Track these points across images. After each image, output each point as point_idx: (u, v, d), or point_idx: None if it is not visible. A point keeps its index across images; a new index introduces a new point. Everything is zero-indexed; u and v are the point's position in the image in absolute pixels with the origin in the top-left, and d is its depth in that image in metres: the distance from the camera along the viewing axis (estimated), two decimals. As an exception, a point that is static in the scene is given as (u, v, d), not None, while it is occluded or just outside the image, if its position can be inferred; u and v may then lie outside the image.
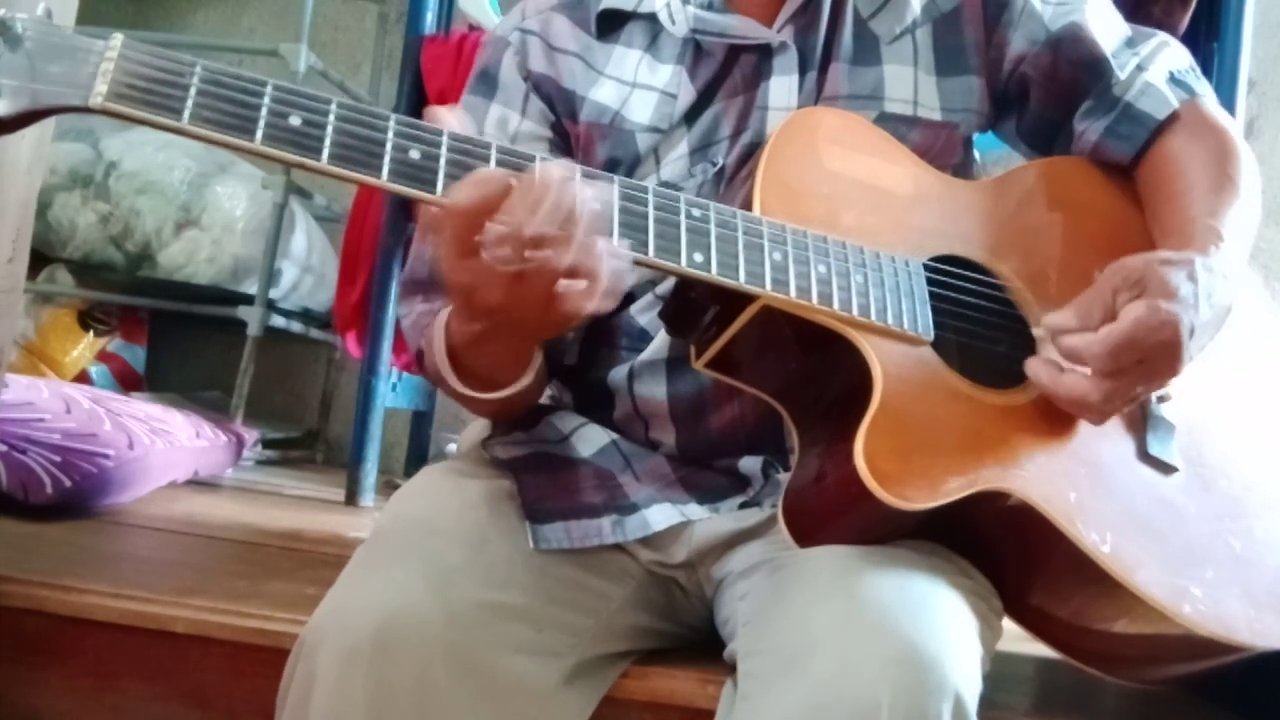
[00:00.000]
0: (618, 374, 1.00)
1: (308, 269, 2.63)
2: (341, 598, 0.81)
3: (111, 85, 0.67)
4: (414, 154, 0.73)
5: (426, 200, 0.74)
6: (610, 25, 1.05)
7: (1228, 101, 1.67)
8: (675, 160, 1.00)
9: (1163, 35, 1.08)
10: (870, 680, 0.70)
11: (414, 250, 1.06)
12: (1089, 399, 0.84)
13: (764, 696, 0.75)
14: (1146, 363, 0.84)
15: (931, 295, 0.89)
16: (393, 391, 2.11)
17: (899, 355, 0.85)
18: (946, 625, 0.76)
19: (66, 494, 1.40)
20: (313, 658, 0.78)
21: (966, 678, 0.73)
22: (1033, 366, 0.88)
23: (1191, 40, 1.75)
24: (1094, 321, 0.85)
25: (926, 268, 0.90)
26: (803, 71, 1.00)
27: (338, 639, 0.77)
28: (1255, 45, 1.84)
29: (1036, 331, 0.89)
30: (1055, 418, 0.88)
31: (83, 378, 2.50)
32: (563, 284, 0.74)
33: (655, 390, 0.98)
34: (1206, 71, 1.70)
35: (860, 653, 0.72)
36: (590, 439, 1.00)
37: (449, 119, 0.77)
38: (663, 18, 1.02)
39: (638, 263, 0.79)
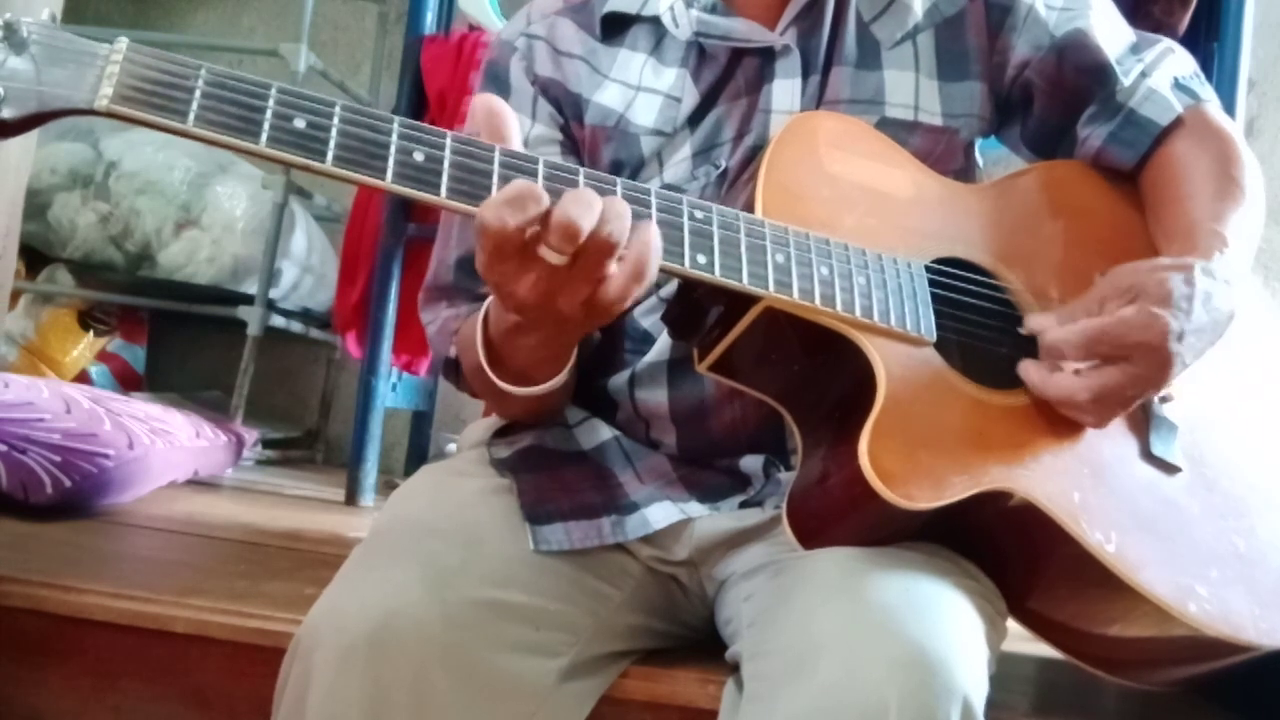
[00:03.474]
0: (619, 379, 1.00)
1: (308, 269, 2.63)
2: (337, 598, 0.81)
3: (117, 88, 0.67)
4: (418, 156, 0.73)
5: (433, 203, 0.74)
6: (615, 29, 1.05)
7: (1228, 101, 1.68)
8: (678, 163, 1.00)
9: (1167, 41, 1.08)
10: (877, 683, 0.70)
11: (435, 256, 1.06)
12: (1076, 398, 0.85)
13: (771, 699, 0.75)
14: (1131, 362, 0.84)
15: (933, 297, 0.89)
16: (393, 391, 2.12)
17: (902, 356, 0.85)
18: (953, 627, 0.76)
19: (66, 494, 1.40)
20: (309, 658, 0.77)
21: (974, 680, 0.74)
22: (1025, 368, 0.88)
23: (1191, 40, 1.76)
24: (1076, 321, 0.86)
25: (928, 270, 0.91)
26: (805, 75, 1.00)
27: (334, 639, 0.77)
28: (1255, 45, 1.85)
29: (1022, 330, 0.90)
30: (1058, 418, 0.88)
31: (83, 378, 2.50)
32: (612, 269, 0.74)
33: (656, 394, 0.98)
34: (1206, 71, 1.70)
35: (867, 655, 0.72)
36: (594, 433, 1.00)
37: (498, 104, 0.77)
38: (666, 21, 1.02)
39: None
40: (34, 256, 2.50)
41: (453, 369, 1.01)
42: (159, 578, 1.19)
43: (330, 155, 0.71)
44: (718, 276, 0.80)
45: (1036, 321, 0.89)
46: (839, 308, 0.84)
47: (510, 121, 0.77)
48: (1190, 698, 1.02)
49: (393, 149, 0.73)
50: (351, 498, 1.99)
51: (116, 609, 1.03)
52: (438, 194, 0.73)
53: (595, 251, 0.73)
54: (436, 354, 1.04)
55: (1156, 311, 0.84)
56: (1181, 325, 0.84)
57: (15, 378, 1.56)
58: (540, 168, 0.76)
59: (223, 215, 2.46)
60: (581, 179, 0.77)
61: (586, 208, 0.72)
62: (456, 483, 0.96)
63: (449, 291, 1.03)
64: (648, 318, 0.99)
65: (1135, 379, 0.85)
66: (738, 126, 1.00)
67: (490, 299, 0.87)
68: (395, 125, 0.73)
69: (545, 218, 0.72)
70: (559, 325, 0.81)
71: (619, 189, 0.79)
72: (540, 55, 1.05)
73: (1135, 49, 1.06)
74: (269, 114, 0.70)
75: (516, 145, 0.77)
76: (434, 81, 1.99)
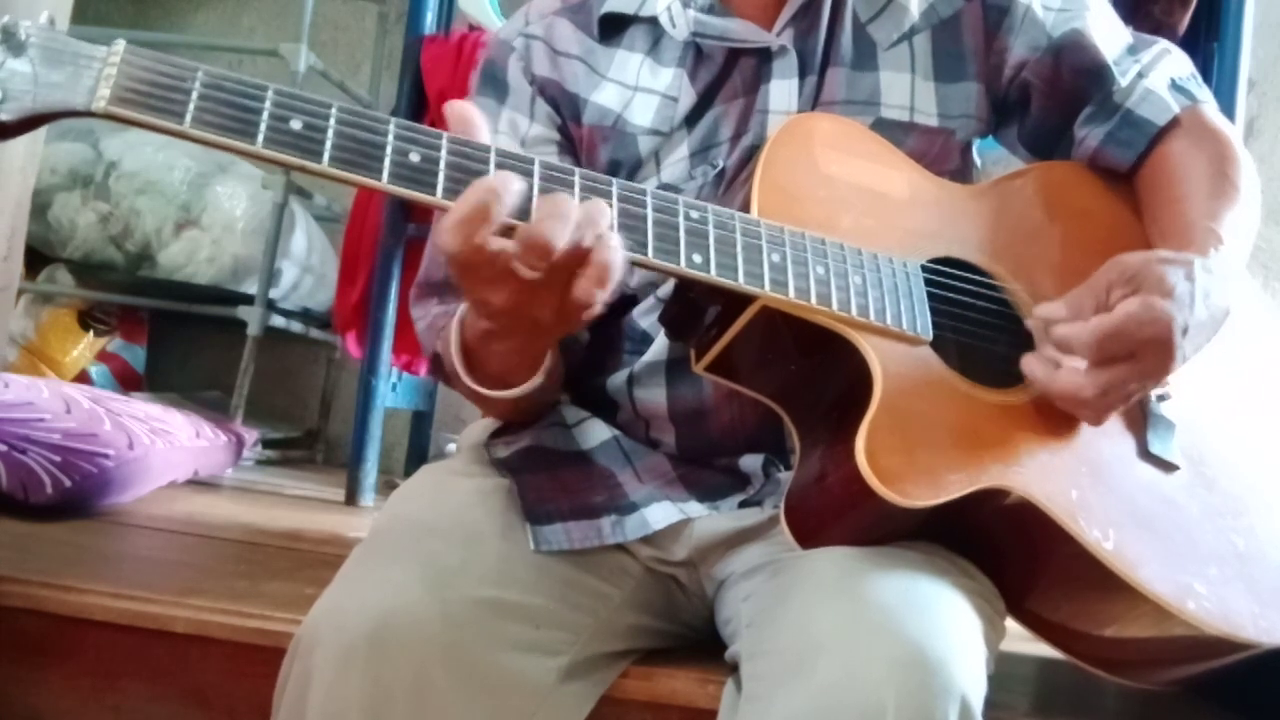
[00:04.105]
0: (617, 379, 1.00)
1: (308, 269, 2.64)
2: (337, 597, 0.81)
3: (114, 90, 0.67)
4: (414, 157, 0.74)
5: (429, 203, 0.74)
6: (612, 29, 1.05)
7: (1228, 102, 1.68)
8: (676, 163, 1.00)
9: (1164, 43, 1.08)
10: (876, 683, 0.70)
11: (428, 252, 1.06)
12: (1082, 394, 0.84)
13: (769, 699, 0.75)
14: (1138, 358, 0.84)
15: (930, 296, 0.89)
16: (393, 391, 2.12)
17: (898, 355, 0.85)
18: (951, 627, 0.76)
19: (66, 494, 1.40)
20: (309, 657, 0.78)
21: (972, 680, 0.74)
22: (1028, 363, 0.88)
23: (1191, 40, 1.76)
24: (1085, 313, 0.85)
25: (924, 269, 0.91)
26: (802, 75, 1.00)
27: (334, 638, 0.77)
28: (1255, 45, 1.85)
29: (1029, 322, 0.90)
30: (1055, 416, 0.88)
31: (83, 378, 2.50)
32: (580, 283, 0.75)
33: (655, 394, 0.98)
34: (1206, 72, 1.71)
35: (865, 655, 0.72)
36: (593, 433, 1.00)
37: (471, 113, 0.77)
38: (664, 21, 1.02)
39: (637, 264, 0.79)
40: (34, 256, 2.50)
41: (440, 366, 1.01)
42: (159, 578, 1.19)
43: (327, 156, 0.71)
44: (713, 276, 0.81)
45: (1046, 310, 0.87)
46: (835, 307, 0.84)
47: (481, 129, 0.77)
48: (1190, 698, 1.02)
49: (389, 150, 0.73)
50: (351, 498, 1.99)
51: (116, 609, 1.03)
52: (433, 194, 0.74)
53: (568, 262, 0.73)
54: (425, 351, 1.04)
55: (1162, 304, 0.83)
56: (1185, 319, 0.84)
57: (15, 378, 1.56)
58: (536, 168, 0.77)
59: (223, 215, 2.46)
60: (578, 179, 0.78)
61: (560, 221, 0.72)
62: (456, 483, 0.96)
63: (440, 288, 1.04)
64: (646, 318, 1.00)
65: (1139, 373, 0.85)
66: (735, 126, 1.00)
67: (464, 305, 0.87)
68: (391, 126, 0.74)
69: (519, 233, 0.72)
70: (532, 332, 0.81)
71: (615, 189, 0.79)
72: (538, 55, 1.05)
73: (1132, 50, 1.06)
74: (265, 115, 0.71)
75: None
76: (434, 82, 1.99)
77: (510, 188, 0.73)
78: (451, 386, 1.01)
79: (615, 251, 0.75)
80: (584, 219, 0.73)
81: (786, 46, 1.00)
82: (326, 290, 2.66)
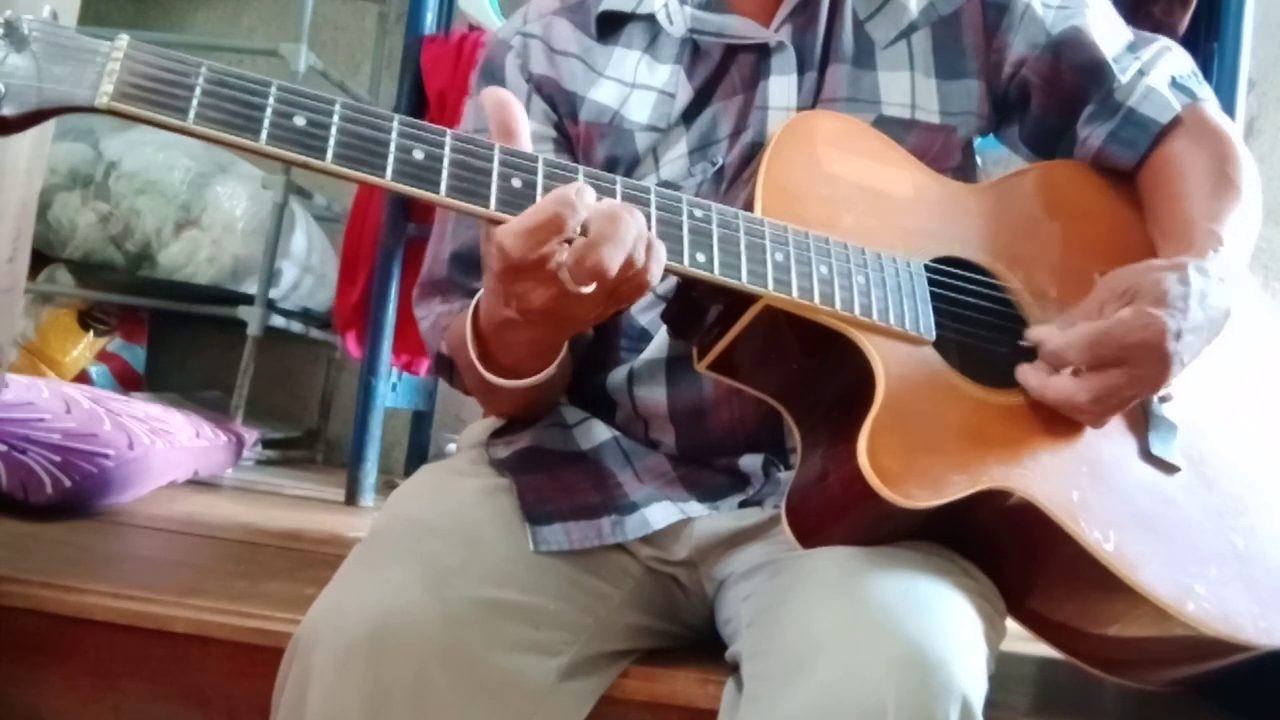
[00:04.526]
0: (617, 376, 1.00)
1: (308, 269, 2.63)
2: (337, 597, 0.81)
3: (117, 85, 0.67)
4: (418, 154, 0.73)
5: (432, 201, 0.74)
6: (610, 27, 1.05)
7: (1228, 101, 1.68)
8: (674, 160, 1.00)
9: (1164, 40, 1.08)
10: (876, 683, 0.70)
11: (430, 251, 1.06)
12: (1076, 399, 0.85)
13: (770, 699, 0.75)
14: (1130, 363, 0.84)
15: (933, 296, 0.89)
16: (393, 391, 2.12)
17: (901, 355, 0.85)
18: (952, 627, 0.76)
19: (66, 494, 1.40)
20: (308, 657, 0.77)
21: (973, 680, 0.74)
22: (1023, 373, 0.88)
23: (1191, 40, 1.76)
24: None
25: (927, 269, 0.91)
26: (801, 72, 1.00)
27: (333, 638, 0.77)
28: (1255, 45, 1.85)
29: (1023, 342, 0.90)
30: (1057, 417, 0.88)
31: (83, 378, 2.50)
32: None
33: (655, 392, 0.98)
34: (1206, 71, 1.71)
35: (866, 655, 0.72)
36: (592, 433, 1.00)
37: (507, 95, 0.78)
38: (661, 18, 1.03)
39: None
40: (34, 256, 2.47)
41: (444, 365, 1.01)
42: (159, 578, 1.19)
43: (330, 153, 0.71)
44: (717, 275, 0.81)
45: (1038, 333, 0.89)
46: (838, 306, 0.84)
47: (519, 113, 0.78)
48: (1190, 698, 1.02)
49: (392, 147, 0.73)
50: (351, 498, 1.99)
51: (116, 609, 1.03)
52: (437, 192, 0.74)
53: (620, 277, 0.73)
54: (429, 349, 1.04)
55: (1154, 312, 0.84)
56: (1179, 324, 0.85)
57: (15, 378, 1.56)
58: (540, 166, 0.76)
59: (223, 215, 2.46)
60: (580, 177, 0.78)
61: (618, 246, 0.72)
62: (456, 482, 0.96)
63: (443, 286, 1.03)
64: (645, 314, 0.99)
65: (1134, 379, 0.85)
66: (734, 123, 1.00)
67: (480, 293, 0.87)
68: (395, 123, 0.73)
69: (575, 252, 0.72)
70: (561, 326, 0.81)
71: (619, 187, 0.79)
72: (536, 53, 1.05)
73: (1133, 47, 1.06)
74: (269, 111, 0.70)
75: (525, 137, 0.78)
76: (434, 81, 1.99)
77: (586, 200, 0.73)
78: (456, 385, 1.01)
79: (661, 246, 0.76)
80: (638, 236, 0.73)
81: (784, 43, 1.00)
82: (326, 290, 2.66)
